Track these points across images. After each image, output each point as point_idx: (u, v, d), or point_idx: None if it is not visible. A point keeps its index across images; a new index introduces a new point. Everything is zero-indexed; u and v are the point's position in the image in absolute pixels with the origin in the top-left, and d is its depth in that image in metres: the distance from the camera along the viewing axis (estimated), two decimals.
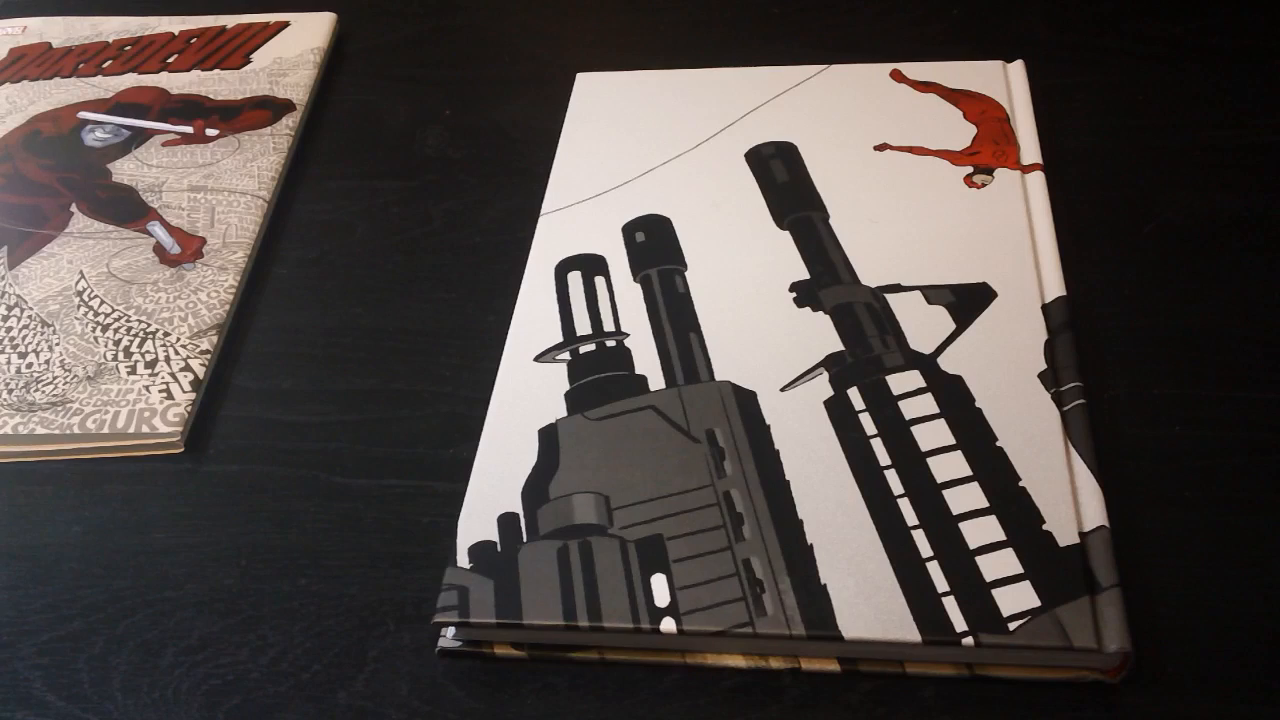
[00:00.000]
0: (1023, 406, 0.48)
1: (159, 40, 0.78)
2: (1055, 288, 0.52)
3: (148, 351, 0.57)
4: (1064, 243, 0.55)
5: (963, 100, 0.63)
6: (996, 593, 0.42)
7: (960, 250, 0.55)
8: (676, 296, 0.55)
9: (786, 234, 0.57)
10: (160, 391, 0.55)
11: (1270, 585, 0.43)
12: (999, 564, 0.43)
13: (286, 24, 0.78)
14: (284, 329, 0.59)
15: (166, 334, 0.58)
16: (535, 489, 0.47)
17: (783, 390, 0.50)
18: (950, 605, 0.42)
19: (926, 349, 0.51)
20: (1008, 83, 0.63)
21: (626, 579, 0.44)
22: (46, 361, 0.57)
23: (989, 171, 0.58)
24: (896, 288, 0.53)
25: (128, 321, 0.59)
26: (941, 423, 0.48)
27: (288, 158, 0.68)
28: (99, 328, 0.59)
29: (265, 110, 0.71)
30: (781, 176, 0.60)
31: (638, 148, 0.63)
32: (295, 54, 0.75)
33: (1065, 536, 0.43)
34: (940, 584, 0.42)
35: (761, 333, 0.52)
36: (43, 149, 0.71)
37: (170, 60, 0.76)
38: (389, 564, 0.48)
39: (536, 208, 0.61)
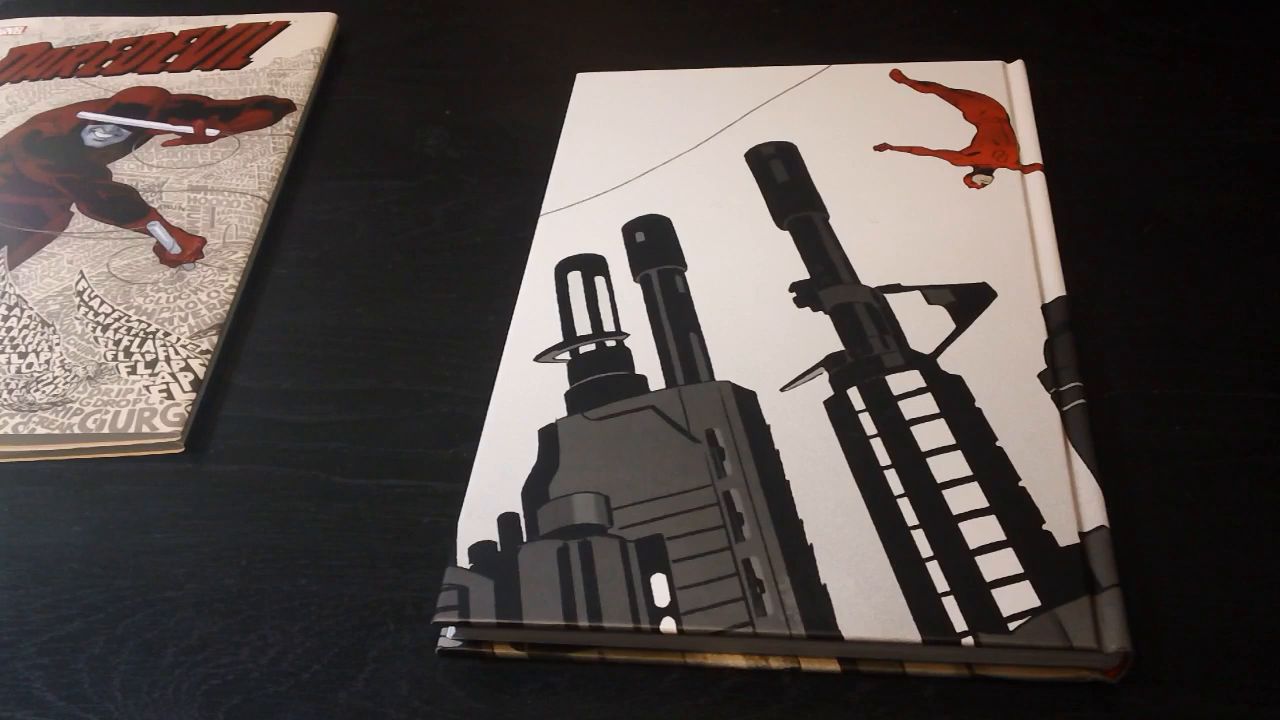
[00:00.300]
0: (1023, 406, 0.48)
1: (159, 40, 0.78)
2: (1055, 288, 0.52)
3: (148, 351, 0.57)
4: (1064, 243, 0.55)
5: (963, 100, 0.63)
6: (996, 593, 0.42)
7: (960, 250, 0.55)
8: (676, 296, 0.55)
9: (786, 234, 0.57)
10: (160, 391, 0.55)
11: (1270, 585, 0.43)
12: (999, 564, 0.43)
13: (286, 24, 0.78)
14: (284, 329, 0.59)
15: (167, 334, 0.58)
16: (535, 489, 0.47)
17: (783, 390, 0.50)
18: (950, 605, 0.42)
19: (926, 349, 0.51)
20: (1008, 83, 0.63)
21: (626, 579, 0.44)
22: (47, 361, 0.57)
23: (989, 171, 0.58)
24: (896, 288, 0.53)
25: (128, 321, 0.59)
26: (941, 423, 0.48)
27: (288, 158, 0.68)
28: (99, 328, 0.59)
29: (265, 110, 0.71)
30: (781, 176, 0.60)
31: (638, 148, 0.63)
32: (295, 54, 0.75)
33: (1065, 536, 0.43)
34: (940, 584, 0.42)
35: (761, 333, 0.52)
36: (43, 149, 0.71)
37: (170, 60, 0.76)
38: (389, 564, 0.48)
39: (536, 208, 0.61)
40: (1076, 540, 0.43)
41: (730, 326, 0.53)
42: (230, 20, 0.79)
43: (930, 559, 0.43)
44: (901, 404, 0.48)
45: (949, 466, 0.46)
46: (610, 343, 0.53)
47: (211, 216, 0.64)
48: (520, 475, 0.48)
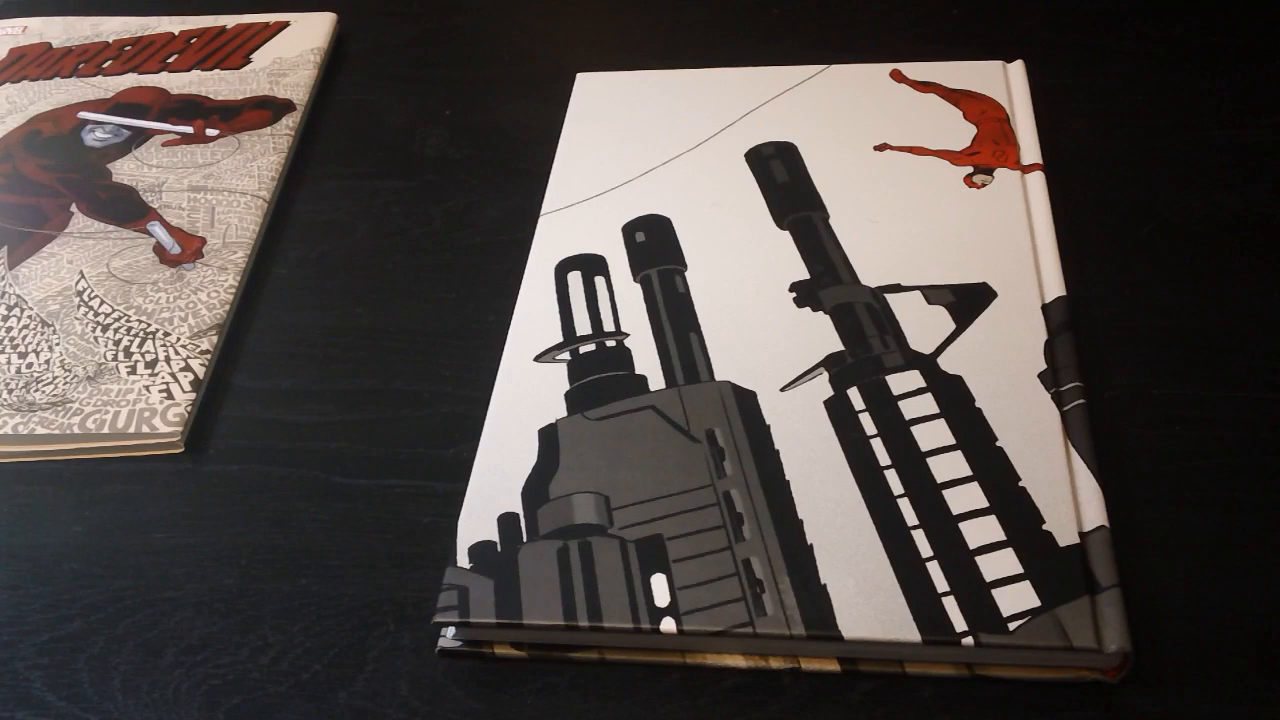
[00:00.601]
0: (1023, 406, 0.48)
1: (159, 40, 0.78)
2: (1055, 288, 0.52)
3: (148, 351, 0.57)
4: (1064, 243, 0.55)
5: (963, 100, 0.63)
6: (996, 593, 0.42)
7: (960, 250, 0.55)
8: (676, 296, 0.55)
9: (786, 234, 0.57)
10: (160, 391, 0.55)
11: (1270, 585, 0.43)
12: (999, 564, 0.43)
13: (286, 24, 0.78)
14: (284, 329, 0.59)
15: (166, 334, 0.58)
16: (535, 489, 0.47)
17: (783, 390, 0.50)
18: (950, 605, 0.42)
19: (926, 349, 0.51)
20: (1008, 83, 0.63)
21: (626, 579, 0.44)
22: (46, 361, 0.57)
23: (989, 171, 0.58)
24: (896, 288, 0.53)
25: (128, 321, 0.59)
26: (941, 423, 0.48)
27: (288, 158, 0.68)
28: (99, 328, 0.59)
29: (265, 110, 0.71)
30: (781, 176, 0.60)
31: (638, 148, 0.63)
32: (295, 54, 0.75)
33: (1065, 536, 0.43)
34: (940, 584, 0.42)
35: (761, 333, 0.52)
36: (43, 149, 0.71)
37: (170, 60, 0.76)
38: (389, 564, 0.48)
39: (536, 208, 0.61)
40: (1076, 540, 0.43)
41: (730, 326, 0.53)
42: (230, 20, 0.79)
43: (930, 559, 0.43)
44: (901, 404, 0.48)
45: (949, 466, 0.46)
46: (610, 343, 0.53)
47: (211, 216, 0.64)
48: (520, 475, 0.48)
